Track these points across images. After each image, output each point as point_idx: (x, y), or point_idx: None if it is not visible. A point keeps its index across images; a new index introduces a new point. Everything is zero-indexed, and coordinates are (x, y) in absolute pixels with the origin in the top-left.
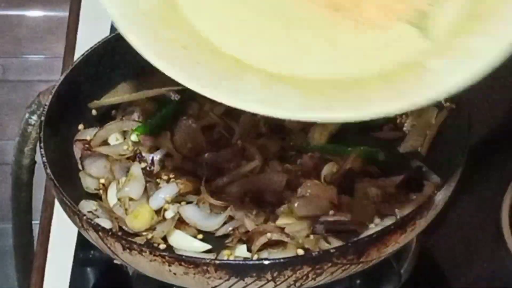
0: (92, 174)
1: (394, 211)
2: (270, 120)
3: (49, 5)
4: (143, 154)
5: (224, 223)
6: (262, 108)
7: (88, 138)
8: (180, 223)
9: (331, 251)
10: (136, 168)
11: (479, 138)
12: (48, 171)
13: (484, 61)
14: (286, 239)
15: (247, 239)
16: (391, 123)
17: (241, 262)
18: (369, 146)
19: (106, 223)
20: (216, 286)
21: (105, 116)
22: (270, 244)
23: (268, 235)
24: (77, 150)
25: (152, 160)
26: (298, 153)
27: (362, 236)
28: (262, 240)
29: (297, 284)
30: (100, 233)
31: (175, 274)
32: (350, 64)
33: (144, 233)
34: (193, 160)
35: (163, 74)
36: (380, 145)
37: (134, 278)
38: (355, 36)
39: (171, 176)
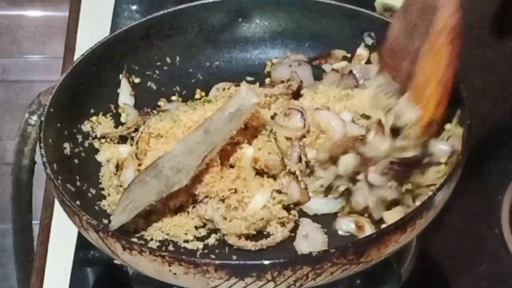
0: None
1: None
2: None
3: (49, 5)
4: None
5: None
6: None
7: None
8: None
9: (331, 251)
10: None
11: (479, 138)
12: (48, 171)
13: None
14: None
15: None
16: None
17: (241, 262)
18: None
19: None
20: (216, 286)
21: None
22: None
23: None
24: None
25: None
26: None
27: (362, 236)
28: None
29: (297, 284)
30: (100, 233)
31: (175, 274)
32: None
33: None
34: None
35: None
36: None
37: (134, 278)
38: None
39: None
